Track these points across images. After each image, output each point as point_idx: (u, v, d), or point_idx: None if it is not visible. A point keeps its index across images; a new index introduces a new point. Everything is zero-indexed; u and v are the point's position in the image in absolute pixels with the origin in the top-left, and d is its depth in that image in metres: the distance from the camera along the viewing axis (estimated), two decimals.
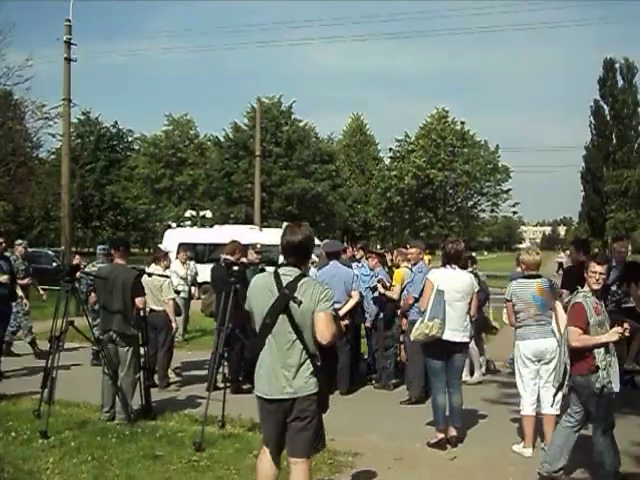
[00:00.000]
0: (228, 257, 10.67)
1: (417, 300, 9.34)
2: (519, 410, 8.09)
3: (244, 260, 10.71)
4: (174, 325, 10.83)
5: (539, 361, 7.65)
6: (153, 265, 11.21)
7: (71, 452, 7.24)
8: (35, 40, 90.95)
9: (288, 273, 5.07)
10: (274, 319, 4.99)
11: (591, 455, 6.54)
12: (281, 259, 6.01)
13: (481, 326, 11.40)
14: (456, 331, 7.82)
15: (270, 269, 5.15)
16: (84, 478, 6.49)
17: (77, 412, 9.05)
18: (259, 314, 5.09)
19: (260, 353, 5.17)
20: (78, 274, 9.16)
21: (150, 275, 10.11)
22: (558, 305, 7.30)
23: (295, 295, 4.94)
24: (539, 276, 7.80)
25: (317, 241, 18.30)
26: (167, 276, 10.75)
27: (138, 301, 8.64)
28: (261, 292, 5.11)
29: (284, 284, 5.00)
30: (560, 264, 49.53)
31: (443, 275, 8.00)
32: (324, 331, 4.92)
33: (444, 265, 8.08)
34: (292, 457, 5.11)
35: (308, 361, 5.00)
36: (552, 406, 7.56)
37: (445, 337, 7.74)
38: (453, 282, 7.90)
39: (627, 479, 6.75)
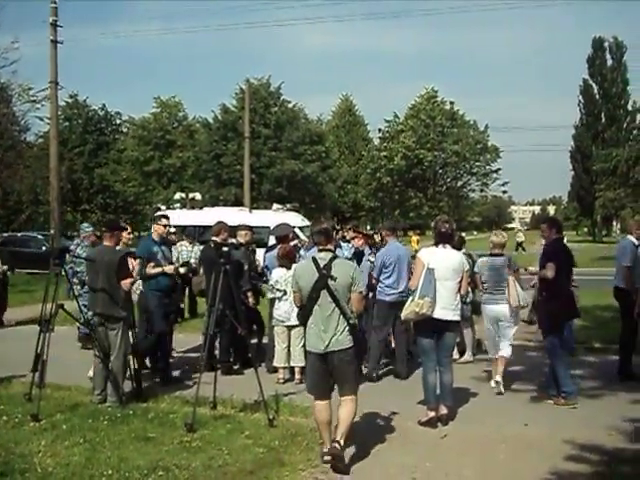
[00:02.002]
0: (214, 238, 10.67)
1: (378, 280, 10.21)
2: (508, 388, 8.83)
3: (233, 241, 10.69)
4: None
5: (497, 321, 9.40)
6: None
7: (63, 435, 7.26)
8: (21, 22, 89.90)
9: (323, 257, 6.62)
10: (318, 293, 6.51)
11: None
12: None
13: (476, 307, 11.36)
14: (446, 309, 7.82)
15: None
16: (76, 460, 6.50)
17: (68, 395, 9.04)
18: (306, 291, 6.58)
19: (308, 319, 6.62)
20: (68, 257, 9.13)
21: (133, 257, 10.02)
22: (511, 279, 9.18)
23: (332, 274, 6.45)
24: (502, 254, 9.52)
25: (307, 222, 18.26)
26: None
27: (124, 283, 8.60)
28: (305, 274, 6.65)
29: (321, 266, 6.50)
30: (519, 243, 50.50)
31: (434, 254, 8.01)
32: (358, 307, 6.67)
33: (436, 244, 8.08)
34: (343, 396, 6.60)
35: (345, 323, 6.50)
36: (504, 351, 9.37)
37: (436, 315, 7.75)
38: (444, 261, 7.90)
39: (616, 454, 6.82)
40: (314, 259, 6.66)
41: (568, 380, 8.78)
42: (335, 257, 6.68)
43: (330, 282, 6.47)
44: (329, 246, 6.78)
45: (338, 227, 13.50)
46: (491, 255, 9.60)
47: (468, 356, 11.44)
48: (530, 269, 9.65)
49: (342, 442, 6.53)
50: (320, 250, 6.75)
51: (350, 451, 6.94)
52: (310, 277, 6.57)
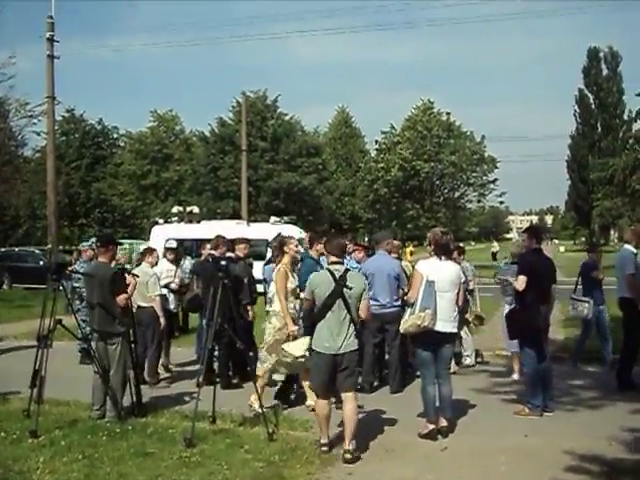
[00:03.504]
0: (213, 252, 10.68)
1: None
2: (509, 399, 8.95)
3: (231, 255, 10.68)
4: (162, 321, 10.76)
5: None
6: (143, 263, 11.16)
7: (61, 451, 7.22)
8: (18, 37, 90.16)
9: (337, 269, 7.33)
10: (333, 301, 7.18)
11: None
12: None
13: (462, 318, 11.33)
14: (446, 322, 7.82)
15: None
16: (75, 477, 6.47)
17: (67, 411, 9.01)
18: (321, 298, 7.22)
19: (318, 323, 7.26)
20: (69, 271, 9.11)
21: (129, 273, 9.98)
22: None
23: (347, 284, 7.16)
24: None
25: (304, 234, 18.27)
26: (135, 275, 10.53)
27: (119, 299, 8.58)
28: (323, 283, 7.28)
29: (337, 277, 7.19)
30: (494, 254, 51.43)
31: (433, 266, 7.99)
32: (367, 313, 7.49)
33: (436, 256, 8.06)
34: (345, 392, 7.30)
35: (353, 328, 7.22)
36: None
37: (436, 328, 7.74)
38: (443, 273, 7.90)
39: (616, 464, 6.81)
40: (329, 270, 7.35)
41: (538, 393, 8.77)
42: (348, 270, 7.48)
43: (345, 291, 7.18)
44: (341, 259, 7.58)
45: None
46: (512, 263, 10.62)
47: (452, 366, 11.35)
48: (507, 279, 9.70)
49: (352, 446, 7.16)
50: (333, 262, 7.45)
51: (350, 465, 6.93)
52: (327, 286, 7.24)
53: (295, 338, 8.40)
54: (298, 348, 8.05)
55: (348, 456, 7.05)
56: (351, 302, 7.24)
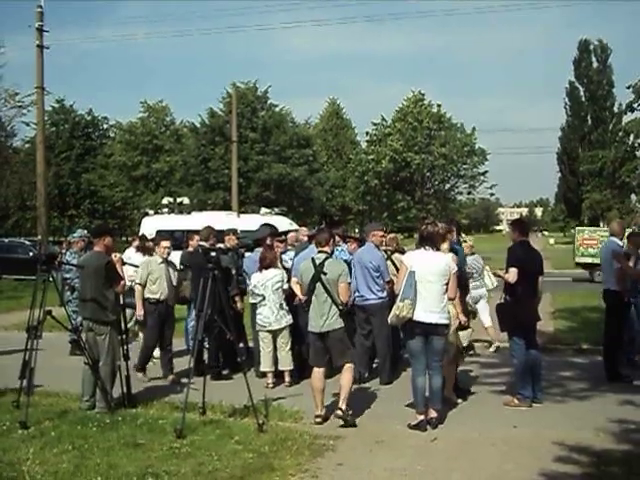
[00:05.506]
0: (203, 243, 10.64)
1: None
2: (499, 390, 8.86)
3: (221, 246, 10.65)
4: (139, 312, 10.58)
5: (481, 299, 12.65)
6: (131, 250, 11.13)
7: (51, 442, 7.20)
8: (6, 26, 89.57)
9: (319, 257, 8.25)
10: (314, 285, 8.12)
11: None
12: None
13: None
14: (431, 312, 7.82)
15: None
16: (65, 468, 6.45)
17: (57, 402, 8.99)
18: (306, 283, 8.26)
19: (310, 306, 8.22)
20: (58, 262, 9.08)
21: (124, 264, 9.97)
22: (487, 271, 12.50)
23: (324, 270, 8.05)
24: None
25: (295, 226, 18.27)
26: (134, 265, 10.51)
27: (120, 286, 8.65)
28: (306, 271, 8.28)
29: (317, 264, 8.10)
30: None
31: (417, 257, 8.07)
32: (344, 295, 8.15)
33: (418, 247, 8.17)
34: (341, 365, 8.12)
35: (335, 309, 8.03)
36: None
37: (417, 318, 7.78)
38: (426, 263, 7.92)
39: (604, 455, 6.84)
40: (312, 259, 8.27)
41: (527, 384, 8.80)
42: (328, 257, 8.25)
43: (323, 276, 8.01)
44: (326, 248, 8.34)
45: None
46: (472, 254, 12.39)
47: None
48: (498, 272, 9.78)
49: (344, 406, 7.95)
50: (319, 251, 8.36)
51: (338, 455, 6.94)
52: (309, 273, 8.20)
53: (464, 327, 9.03)
54: (465, 338, 9.26)
55: (339, 413, 7.94)
56: (330, 286, 8.06)
